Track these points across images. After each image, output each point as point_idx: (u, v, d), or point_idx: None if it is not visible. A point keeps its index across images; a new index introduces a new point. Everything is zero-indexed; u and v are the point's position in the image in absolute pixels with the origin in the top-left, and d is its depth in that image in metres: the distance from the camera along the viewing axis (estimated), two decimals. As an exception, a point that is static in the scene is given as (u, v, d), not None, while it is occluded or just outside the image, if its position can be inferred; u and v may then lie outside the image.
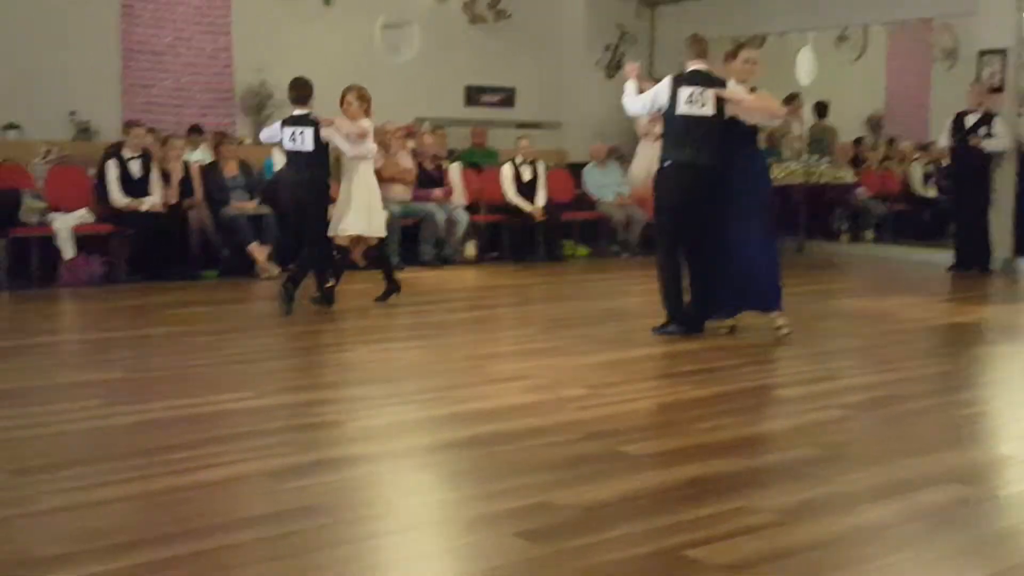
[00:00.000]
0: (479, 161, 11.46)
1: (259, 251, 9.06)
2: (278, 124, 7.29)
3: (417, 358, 5.83)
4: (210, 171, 9.34)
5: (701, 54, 6.35)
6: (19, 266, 8.52)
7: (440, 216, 10.17)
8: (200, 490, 3.52)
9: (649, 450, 4.05)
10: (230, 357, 5.75)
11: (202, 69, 10.34)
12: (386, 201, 9.97)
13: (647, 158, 11.68)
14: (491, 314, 7.86)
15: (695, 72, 6.31)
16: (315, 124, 7.08)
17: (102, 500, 3.38)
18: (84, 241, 8.47)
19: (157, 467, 3.72)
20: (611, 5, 12.72)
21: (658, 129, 6.85)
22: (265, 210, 9.26)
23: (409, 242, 10.12)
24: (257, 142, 10.44)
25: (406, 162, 10.28)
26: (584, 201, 11.51)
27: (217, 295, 8.15)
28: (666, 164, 6.34)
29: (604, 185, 11.47)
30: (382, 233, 7.51)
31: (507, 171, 10.80)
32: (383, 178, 10.05)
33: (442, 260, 10.20)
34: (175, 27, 10.19)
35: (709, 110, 6.20)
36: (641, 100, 6.47)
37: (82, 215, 8.53)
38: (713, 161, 6.21)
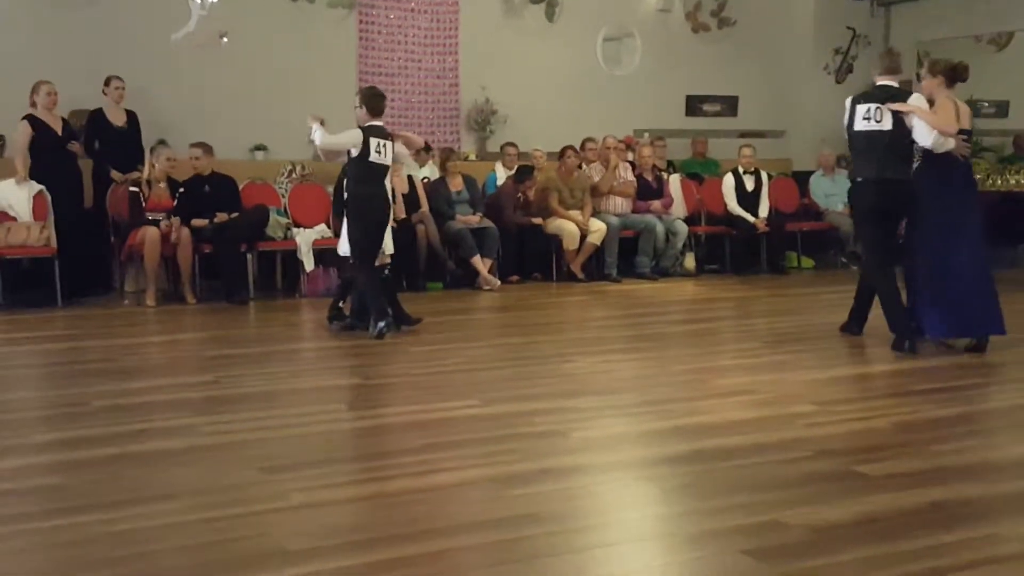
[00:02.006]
0: (700, 171, 11.32)
1: (481, 263, 9.30)
2: (358, 132, 6.67)
3: (637, 370, 5.80)
4: (437, 186, 9.68)
5: (891, 69, 6.33)
6: (265, 278, 9.16)
7: (659, 228, 10.10)
8: (430, 493, 3.64)
9: (886, 471, 3.85)
10: (456, 366, 5.92)
11: (431, 89, 10.77)
12: (605, 213, 10.05)
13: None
14: (712, 327, 7.72)
15: (879, 87, 6.30)
16: (391, 137, 6.83)
17: (343, 499, 3.56)
18: (322, 254, 8.98)
19: (391, 469, 3.88)
20: (843, 6, 12.25)
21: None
22: (488, 223, 9.51)
23: (627, 254, 10.11)
24: (481, 157, 10.78)
25: (625, 174, 10.29)
26: (810, 211, 11.13)
27: (442, 306, 8.41)
28: (858, 180, 6.36)
29: (832, 194, 11.03)
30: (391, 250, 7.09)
31: (729, 181, 10.61)
32: (602, 191, 10.14)
33: (660, 272, 10.12)
34: (406, 50, 10.67)
35: (887, 124, 6.15)
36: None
37: (321, 230, 9.05)
38: (901, 175, 6.19)
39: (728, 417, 4.65)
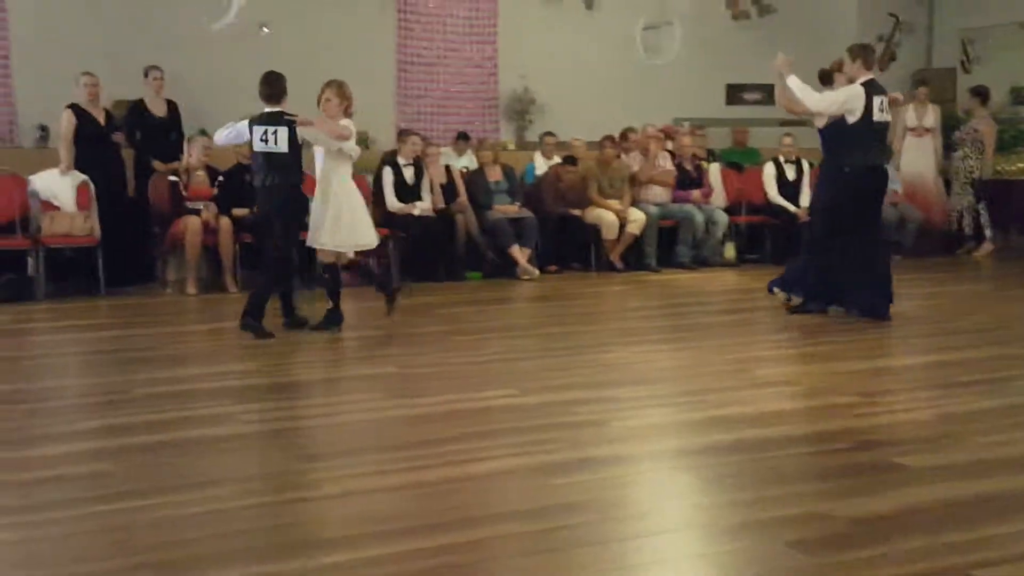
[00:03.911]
0: (740, 161, 11.21)
1: (520, 253, 9.29)
2: (244, 123, 6.41)
3: (677, 360, 5.76)
4: (475, 176, 9.68)
5: (873, 64, 6.88)
6: (305, 267, 9.18)
7: (699, 217, 10.03)
8: (469, 482, 3.64)
9: (929, 463, 3.80)
10: (494, 355, 5.92)
11: (469, 78, 10.76)
12: (645, 203, 9.99)
13: (916, 153, 11.03)
14: (752, 317, 7.64)
15: (876, 82, 6.77)
16: (290, 123, 6.30)
17: (380, 487, 3.57)
18: (361, 244, 8.98)
19: (429, 458, 3.89)
20: (886, -8, 12.10)
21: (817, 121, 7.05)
22: (526, 213, 9.49)
23: (667, 244, 10.05)
24: (520, 147, 10.77)
25: (665, 163, 10.23)
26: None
27: (481, 295, 8.43)
28: (859, 167, 6.70)
29: (874, 183, 10.88)
30: (370, 244, 6.70)
31: (769, 170, 10.50)
32: (641, 180, 10.08)
33: (700, 262, 10.05)
34: (445, 38, 10.66)
35: (889, 116, 6.86)
36: (829, 100, 6.84)
37: (360, 219, 9.06)
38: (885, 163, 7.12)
39: (769, 408, 4.61)
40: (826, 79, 7.52)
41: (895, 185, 10.80)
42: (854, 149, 6.69)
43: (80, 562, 2.94)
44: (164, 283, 8.77)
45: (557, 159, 10.22)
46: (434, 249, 9.17)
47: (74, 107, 8.37)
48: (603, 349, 6.01)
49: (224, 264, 8.46)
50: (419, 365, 5.68)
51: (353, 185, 6.63)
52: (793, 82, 6.86)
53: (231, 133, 6.54)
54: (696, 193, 10.23)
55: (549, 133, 10.37)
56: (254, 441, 4.21)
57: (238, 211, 8.48)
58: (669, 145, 10.46)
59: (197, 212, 8.35)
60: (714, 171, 10.64)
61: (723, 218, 10.20)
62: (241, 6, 8.93)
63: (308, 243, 6.58)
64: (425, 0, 10.54)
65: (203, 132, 9.10)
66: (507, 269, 9.32)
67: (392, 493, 3.52)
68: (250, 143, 6.45)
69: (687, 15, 11.22)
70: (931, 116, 11.09)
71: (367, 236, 6.62)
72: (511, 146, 10.74)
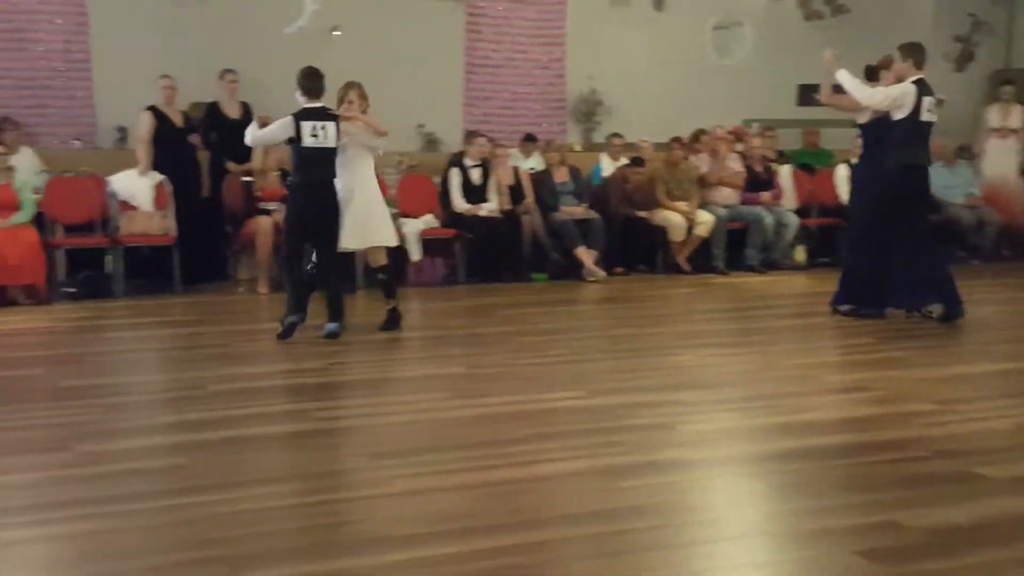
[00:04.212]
0: (811, 162, 11.04)
1: (586, 255, 9.27)
2: (289, 119, 6.22)
3: (745, 365, 5.69)
4: (542, 177, 9.68)
5: (924, 63, 6.79)
6: (372, 267, 9.28)
7: (768, 220, 9.90)
8: (536, 483, 3.65)
9: (1009, 473, 3.70)
10: (560, 357, 5.91)
11: (537, 80, 10.77)
12: (713, 205, 9.89)
13: (1000, 155, 10.76)
14: (823, 321, 7.50)
15: (924, 81, 6.72)
16: (335, 118, 6.26)
17: (447, 487, 3.59)
18: (429, 244, 9.07)
19: (496, 459, 3.90)
20: (963, -7, 11.82)
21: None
22: (593, 215, 9.47)
23: (735, 247, 9.94)
24: (587, 148, 10.74)
25: (734, 165, 10.12)
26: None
27: (546, 297, 8.42)
28: (900, 164, 6.67)
29: (952, 186, 10.63)
30: (387, 242, 6.68)
31: (842, 172, 10.30)
32: (710, 182, 9.98)
33: (769, 265, 9.92)
34: (512, 41, 10.69)
35: (936, 117, 6.82)
36: (881, 95, 6.77)
37: (428, 220, 9.14)
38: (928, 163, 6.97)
39: (840, 414, 4.54)
40: (872, 75, 7.39)
41: (973, 189, 10.57)
42: (898, 146, 6.65)
43: (155, 554, 3.01)
44: (237, 282, 8.93)
45: (624, 161, 10.18)
46: (500, 250, 9.19)
47: (153, 109, 8.57)
48: (670, 352, 5.97)
49: (294, 264, 8.57)
50: (485, 365, 5.70)
51: (375, 183, 6.63)
52: (843, 76, 6.85)
53: (269, 132, 6.36)
54: (766, 195, 10.10)
55: (616, 135, 10.33)
56: (322, 438, 4.27)
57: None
58: (739, 146, 10.35)
59: (269, 212, 8.49)
60: (785, 173, 10.49)
61: (793, 220, 10.06)
62: (314, 11, 9.06)
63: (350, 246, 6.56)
64: (494, 3, 10.58)
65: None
66: (573, 271, 9.30)
67: (456, 493, 3.54)
68: (295, 138, 6.21)
69: (758, 15, 11.10)
70: (1016, 116, 10.82)
71: (384, 235, 6.62)
72: (578, 148, 10.72)
